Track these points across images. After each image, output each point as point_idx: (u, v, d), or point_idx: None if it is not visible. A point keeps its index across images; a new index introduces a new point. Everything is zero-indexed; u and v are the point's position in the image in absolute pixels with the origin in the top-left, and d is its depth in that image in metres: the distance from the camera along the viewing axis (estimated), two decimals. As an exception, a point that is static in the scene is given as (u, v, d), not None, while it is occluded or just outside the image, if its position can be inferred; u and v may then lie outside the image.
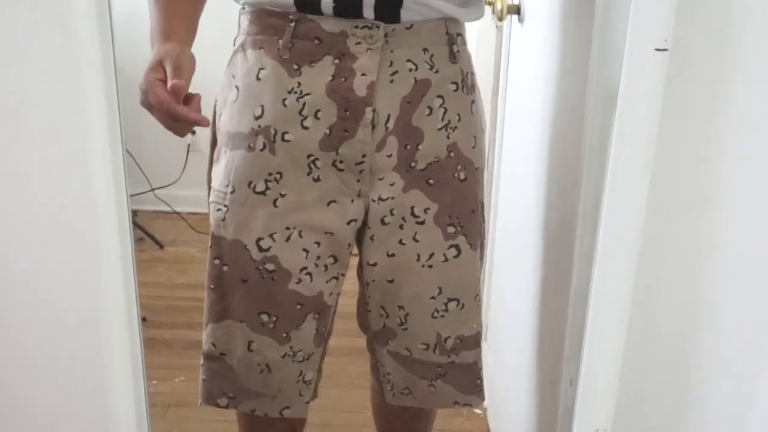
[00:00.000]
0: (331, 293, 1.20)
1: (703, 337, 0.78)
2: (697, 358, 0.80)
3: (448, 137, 1.14)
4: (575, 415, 0.95)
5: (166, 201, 3.32)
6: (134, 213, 3.32)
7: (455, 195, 1.16)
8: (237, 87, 1.13)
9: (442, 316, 1.20)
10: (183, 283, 2.77)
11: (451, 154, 1.14)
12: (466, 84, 1.15)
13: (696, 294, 0.80)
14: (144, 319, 2.43)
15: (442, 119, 1.12)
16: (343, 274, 1.21)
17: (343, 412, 2.03)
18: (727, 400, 0.73)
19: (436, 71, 1.11)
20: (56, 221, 0.92)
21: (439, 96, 1.11)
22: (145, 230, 3.14)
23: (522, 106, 1.65)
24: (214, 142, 1.20)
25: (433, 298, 1.19)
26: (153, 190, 3.34)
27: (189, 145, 3.35)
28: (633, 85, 0.78)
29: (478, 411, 2.06)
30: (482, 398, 1.29)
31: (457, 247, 1.17)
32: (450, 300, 1.20)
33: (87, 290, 0.96)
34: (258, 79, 1.10)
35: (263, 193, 1.11)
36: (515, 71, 1.78)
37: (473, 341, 1.24)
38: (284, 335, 1.19)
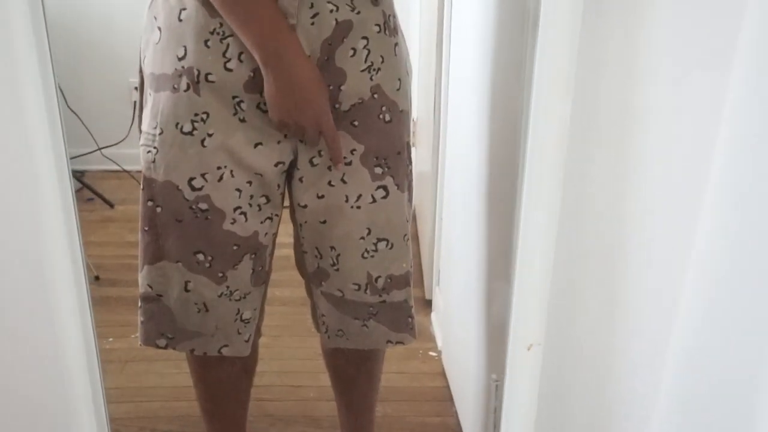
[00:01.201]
0: (266, 233, 1.21)
1: (631, 250, 0.81)
2: (625, 272, 0.82)
3: (371, 79, 1.13)
4: (510, 332, 0.99)
5: (115, 160, 3.27)
6: (82, 173, 3.27)
7: (381, 137, 1.16)
8: (159, 28, 1.12)
9: (372, 256, 1.21)
10: (135, 241, 2.66)
11: (375, 96, 1.14)
12: (388, 26, 1.14)
13: (621, 209, 0.82)
14: (97, 278, 2.45)
15: (365, 61, 1.12)
16: (277, 215, 1.21)
17: (300, 360, 2.05)
18: (655, 307, 0.76)
19: (358, 12, 1.10)
20: None
21: (364, 37, 1.11)
22: (95, 190, 3.09)
23: (466, 48, 1.66)
24: (142, 85, 1.20)
25: (362, 238, 1.19)
26: (100, 149, 3.28)
27: (135, 103, 3.29)
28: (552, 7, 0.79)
29: (432, 353, 2.10)
30: (413, 335, 1.30)
31: (384, 188, 1.18)
32: (379, 240, 1.21)
33: (32, 250, 0.95)
34: (180, 20, 1.09)
35: (190, 133, 1.11)
36: (459, 13, 1.78)
37: (403, 280, 1.25)
38: (220, 275, 1.19)
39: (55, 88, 0.91)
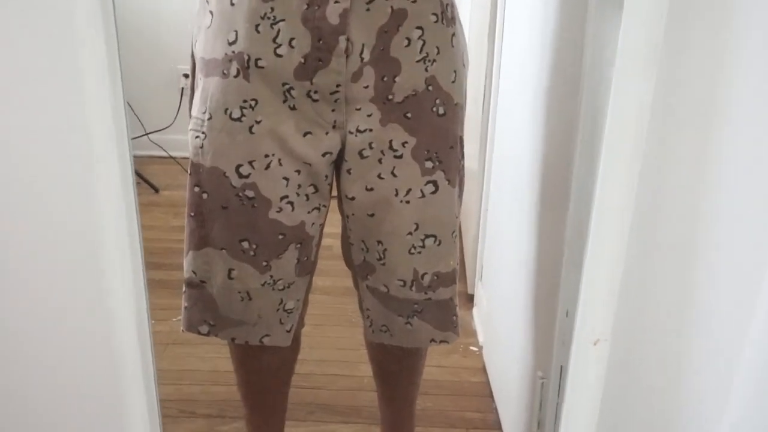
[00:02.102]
0: (313, 224, 1.19)
1: (705, 249, 0.78)
2: (699, 272, 0.79)
3: (426, 70, 1.11)
4: (576, 325, 0.96)
5: (161, 145, 3.30)
6: None
7: (433, 130, 1.14)
8: (211, 12, 1.11)
9: (419, 252, 1.19)
10: (178, 225, 2.72)
11: (430, 88, 1.12)
12: (446, 16, 1.12)
13: (700, 205, 0.80)
14: None
15: (421, 51, 1.10)
16: (325, 205, 1.20)
17: (340, 350, 2.04)
18: (732, 309, 0.73)
19: (414, 1, 1.07)
20: (55, 170, 0.91)
21: (418, 27, 1.09)
22: (141, 175, 3.11)
23: (520, 41, 1.63)
24: (194, 71, 1.19)
25: (410, 234, 1.18)
26: (147, 134, 3.31)
27: (182, 89, 3.31)
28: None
29: (473, 348, 2.08)
30: (457, 334, 1.29)
31: (434, 183, 1.16)
32: (427, 236, 1.19)
33: (88, 237, 0.94)
34: (232, 4, 1.07)
35: (239, 119, 1.10)
36: (513, 6, 1.75)
37: (449, 278, 1.24)
38: (264, 264, 1.18)
39: (119, 73, 0.91)
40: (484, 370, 1.98)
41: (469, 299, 2.29)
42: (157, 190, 3.10)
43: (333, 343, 2.06)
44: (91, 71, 0.87)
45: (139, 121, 3.25)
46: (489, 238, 2.04)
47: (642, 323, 0.92)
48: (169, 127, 3.31)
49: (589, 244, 0.91)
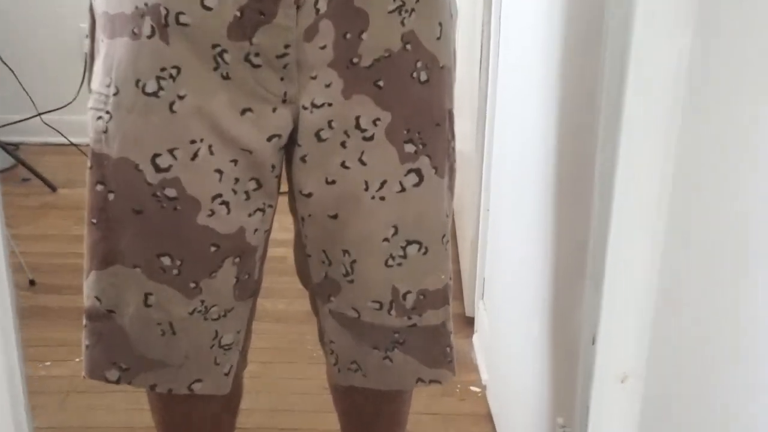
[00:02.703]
0: (256, 230, 1.19)
1: (759, 265, 0.79)
2: (751, 290, 0.80)
3: (402, 23, 1.11)
4: (595, 358, 0.99)
5: (58, 129, 3.27)
6: (16, 147, 3.31)
7: (414, 102, 1.15)
8: None
9: (399, 264, 1.19)
10: (82, 234, 2.72)
11: (408, 47, 1.12)
12: None
13: (753, 206, 0.81)
14: (32, 283, 2.47)
15: None
16: (271, 205, 1.21)
17: (298, 394, 2.04)
18: None
19: None
20: None
21: None
22: (32, 168, 3.10)
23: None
24: (93, 29, 1.18)
25: (386, 240, 1.18)
26: (40, 114, 3.30)
27: (86, 55, 3.28)
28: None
29: (474, 389, 2.09)
30: (453, 371, 1.30)
31: (417, 171, 1.16)
32: (409, 243, 1.19)
33: None
34: None
35: (155, 94, 1.09)
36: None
37: (440, 297, 1.24)
38: (192, 285, 1.18)
39: None
40: (489, 417, 1.98)
41: (468, 323, 2.31)
42: (54, 189, 3.10)
43: (288, 386, 2.07)
44: None
45: (30, 97, 3.24)
46: (492, 243, 2.05)
47: (682, 354, 0.93)
48: (68, 105, 3.28)
49: (609, 254, 0.93)
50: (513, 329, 1.75)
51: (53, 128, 3.29)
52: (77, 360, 2.08)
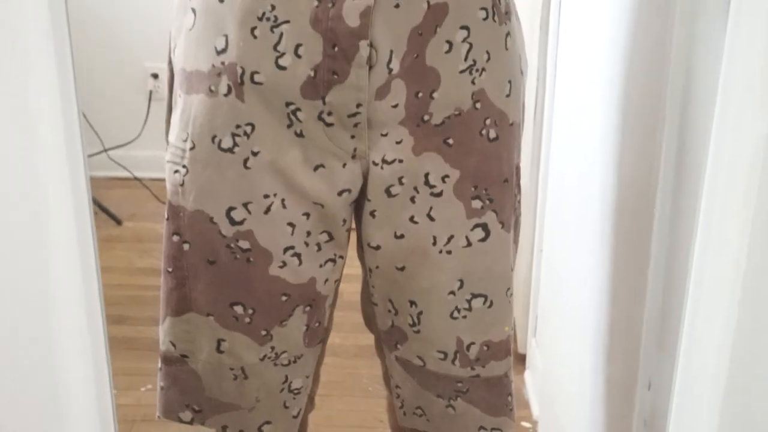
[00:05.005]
0: (326, 280, 1.20)
1: None
2: None
3: (473, 82, 1.10)
4: (670, 422, 0.95)
5: (124, 164, 3.31)
6: None
7: (483, 159, 1.14)
8: (193, 10, 1.11)
9: (465, 317, 1.20)
10: (146, 267, 2.79)
11: (477, 105, 1.11)
12: (498, 10, 1.11)
13: None
14: None
15: (466, 58, 1.09)
16: (342, 257, 1.21)
17: (354, 427, 2.05)
18: None
19: None
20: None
21: (463, 27, 1.08)
22: (99, 203, 3.13)
23: (582, 38, 1.65)
24: (172, 82, 1.19)
25: (452, 293, 1.18)
26: (106, 150, 3.34)
27: (151, 93, 3.35)
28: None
29: (526, 424, 2.09)
30: (513, 419, 1.29)
31: (484, 226, 1.16)
32: (474, 296, 1.19)
33: (36, 284, 0.95)
34: (221, 0, 1.07)
35: (230, 150, 1.10)
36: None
37: (504, 349, 1.24)
38: (264, 333, 1.19)
39: (72, 73, 0.92)
40: None
41: (520, 360, 2.29)
42: (119, 222, 3.13)
43: (344, 418, 2.07)
44: (38, 73, 0.88)
45: (96, 134, 3.28)
46: (545, 282, 2.05)
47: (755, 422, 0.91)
48: (134, 141, 3.35)
49: (685, 324, 0.91)
50: (565, 366, 1.75)
51: (118, 163, 3.34)
52: (143, 389, 2.12)
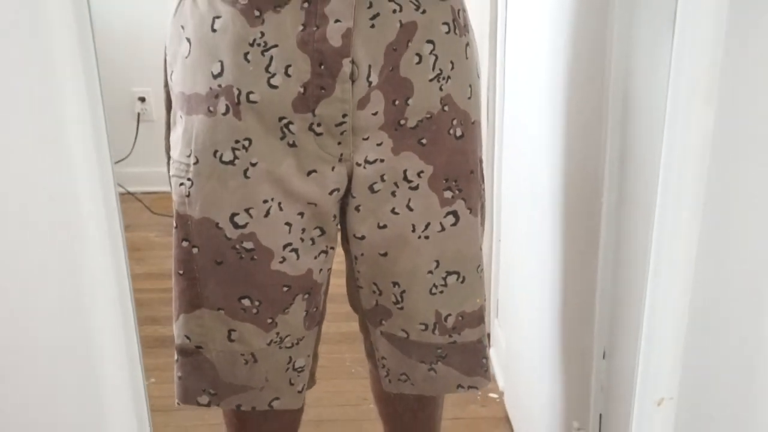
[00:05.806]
0: (321, 270, 1.26)
1: None
2: None
3: (441, 89, 1.16)
4: (637, 383, 0.98)
5: (117, 181, 3.32)
6: None
7: (451, 155, 1.20)
8: (188, 39, 1.14)
9: (441, 292, 1.26)
10: (143, 273, 2.84)
11: (446, 108, 1.17)
12: (458, 24, 1.17)
13: None
14: None
15: (434, 68, 1.14)
16: (333, 248, 1.26)
17: (340, 406, 2.10)
18: None
19: (423, 11, 1.12)
20: (34, 206, 0.94)
21: (429, 41, 1.13)
22: (94, 216, 3.14)
23: (529, 41, 1.68)
24: (169, 104, 1.23)
25: (430, 272, 1.24)
26: (100, 168, 3.36)
27: (139, 114, 3.36)
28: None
29: (493, 395, 2.15)
30: (488, 378, 1.36)
31: (455, 213, 1.22)
32: (449, 273, 1.25)
33: (73, 287, 0.98)
34: (213, 30, 1.11)
35: (231, 162, 1.14)
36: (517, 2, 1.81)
37: (476, 317, 1.30)
38: (269, 321, 1.24)
39: (99, 92, 0.93)
40: (507, 420, 2.03)
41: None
42: (114, 234, 3.13)
43: (331, 399, 2.12)
44: (70, 99, 0.90)
45: (89, 153, 3.30)
46: (504, 265, 2.07)
47: (714, 379, 0.94)
48: (125, 159, 3.34)
49: (649, 290, 0.94)
50: (526, 342, 1.78)
51: (111, 179, 3.38)
52: (147, 382, 2.13)
